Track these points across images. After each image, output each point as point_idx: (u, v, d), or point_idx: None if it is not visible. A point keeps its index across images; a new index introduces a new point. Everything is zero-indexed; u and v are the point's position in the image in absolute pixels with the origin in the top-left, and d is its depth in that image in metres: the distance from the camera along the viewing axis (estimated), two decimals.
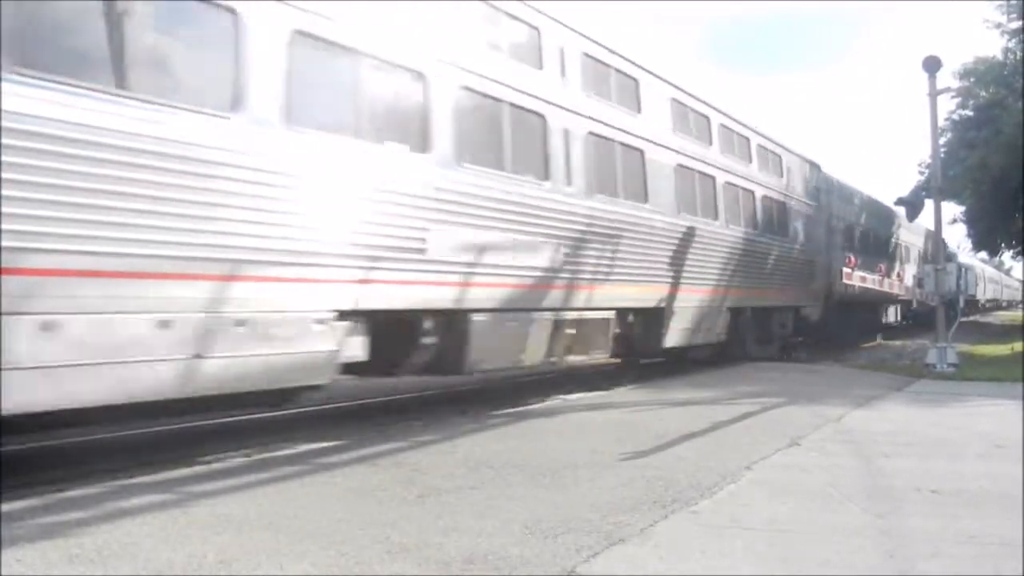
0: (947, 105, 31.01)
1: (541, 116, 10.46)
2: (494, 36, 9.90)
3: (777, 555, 4.50)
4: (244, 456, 7.25)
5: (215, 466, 6.66)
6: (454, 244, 8.83)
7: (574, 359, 11.42)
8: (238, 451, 7.61)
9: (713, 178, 15.33)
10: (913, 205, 23.80)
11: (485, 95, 9.56)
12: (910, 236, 35.99)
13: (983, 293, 60.59)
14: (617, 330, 12.23)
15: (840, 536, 4.84)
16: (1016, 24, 27.16)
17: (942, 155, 23.91)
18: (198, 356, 6.42)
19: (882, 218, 31.69)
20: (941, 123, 24.16)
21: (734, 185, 16.28)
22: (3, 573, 4.03)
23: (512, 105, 9.98)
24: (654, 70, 13.31)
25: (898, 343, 27.87)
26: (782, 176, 19.23)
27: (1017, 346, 21.64)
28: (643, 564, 4.36)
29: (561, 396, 11.56)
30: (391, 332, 8.42)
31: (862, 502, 5.66)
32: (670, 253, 13.40)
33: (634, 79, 12.72)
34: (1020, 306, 73.34)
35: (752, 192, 17.25)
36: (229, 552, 4.41)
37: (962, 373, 15.32)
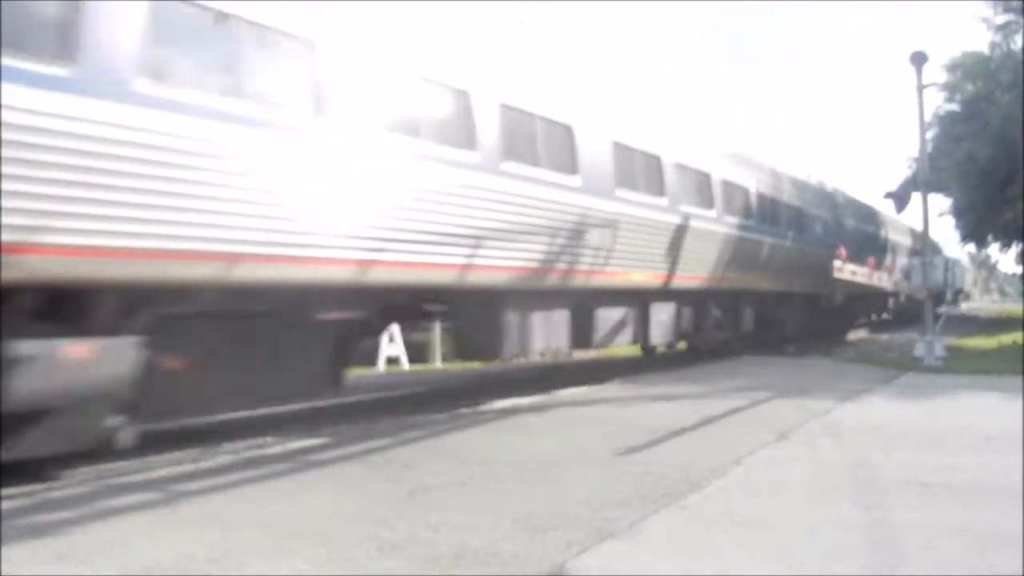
0: (934, 100, 31.22)
1: None
2: None
3: (766, 549, 4.51)
4: (233, 454, 7.23)
5: (204, 464, 6.64)
6: None
7: None
8: (227, 449, 7.59)
9: None
10: (901, 199, 23.85)
11: None
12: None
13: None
14: None
15: (829, 530, 4.86)
16: (1003, 18, 27.34)
17: (929, 149, 24.01)
18: None
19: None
20: (928, 118, 24.25)
21: None
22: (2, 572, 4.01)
23: None
24: None
25: (886, 336, 27.98)
26: None
27: (1005, 339, 21.76)
28: (633, 559, 4.37)
29: (551, 392, 11.56)
30: None
31: (851, 496, 5.68)
32: None
33: None
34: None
35: None
36: (218, 550, 4.40)
37: (950, 366, 15.38)
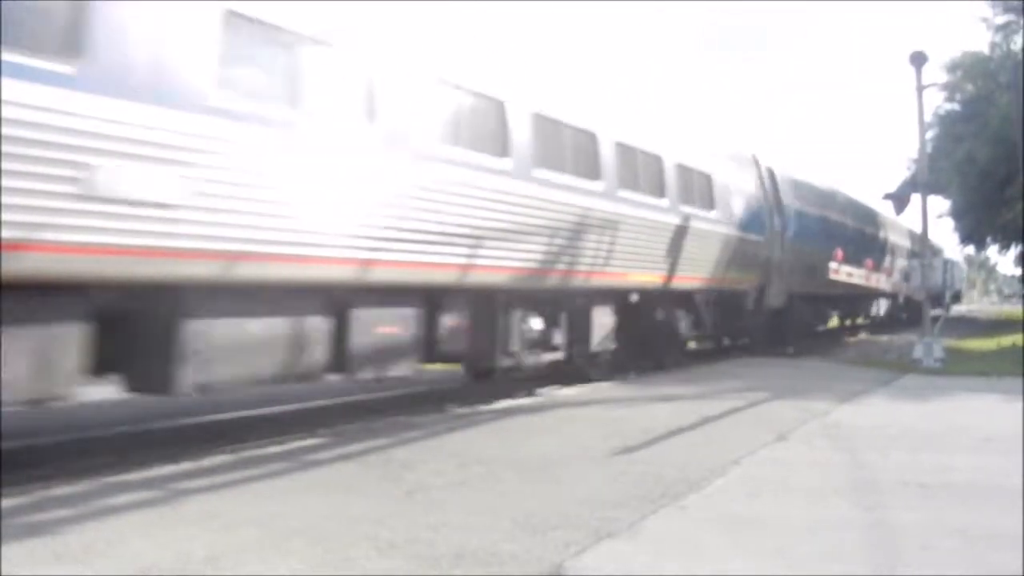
0: (934, 100, 31.27)
1: None
2: None
3: (765, 549, 4.51)
4: (231, 454, 7.22)
5: (202, 463, 6.62)
6: None
7: None
8: (225, 448, 7.57)
9: None
10: (900, 200, 23.90)
11: None
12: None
13: None
14: None
15: (828, 530, 4.85)
16: (1003, 18, 27.39)
17: (929, 150, 24.05)
18: None
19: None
20: (928, 118, 24.30)
21: None
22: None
23: None
24: None
25: (885, 338, 27.97)
26: None
27: (1004, 341, 21.76)
28: (632, 559, 4.36)
29: (549, 391, 11.56)
30: None
31: (850, 496, 5.68)
32: None
33: None
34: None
35: None
36: (216, 550, 4.39)
37: (949, 368, 15.38)
